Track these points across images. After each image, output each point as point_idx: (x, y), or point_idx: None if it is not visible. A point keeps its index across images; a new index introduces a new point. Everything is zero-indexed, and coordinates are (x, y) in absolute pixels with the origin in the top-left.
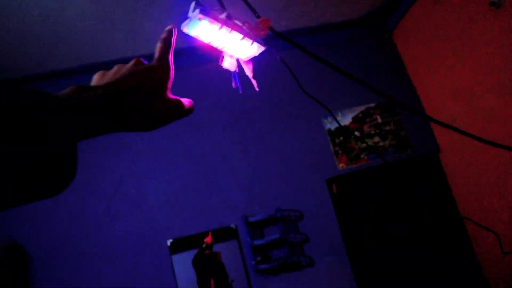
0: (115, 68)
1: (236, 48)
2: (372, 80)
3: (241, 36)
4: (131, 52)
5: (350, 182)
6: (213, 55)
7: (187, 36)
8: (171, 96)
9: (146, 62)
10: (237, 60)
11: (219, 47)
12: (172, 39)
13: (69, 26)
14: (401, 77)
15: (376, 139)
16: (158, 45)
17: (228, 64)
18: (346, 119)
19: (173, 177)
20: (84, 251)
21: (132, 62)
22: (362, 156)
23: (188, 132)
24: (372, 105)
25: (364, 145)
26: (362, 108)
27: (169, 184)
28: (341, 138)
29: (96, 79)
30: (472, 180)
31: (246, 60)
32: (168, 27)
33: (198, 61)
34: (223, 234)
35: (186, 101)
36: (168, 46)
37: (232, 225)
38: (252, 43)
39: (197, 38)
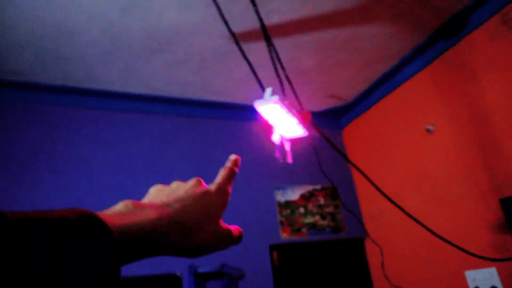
0: (174, 185)
1: (286, 128)
2: (323, 165)
3: (295, 121)
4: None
5: (289, 251)
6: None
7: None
8: (222, 224)
9: (204, 184)
10: (281, 137)
11: (273, 124)
12: (236, 169)
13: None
14: (345, 168)
15: (317, 217)
16: (222, 172)
17: (276, 138)
18: (295, 195)
19: None
20: None
21: (191, 183)
22: (303, 230)
23: (153, 176)
24: (318, 187)
25: (306, 221)
26: (310, 188)
27: None
28: (288, 210)
29: (152, 193)
30: (390, 268)
31: (288, 138)
32: (234, 157)
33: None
34: (166, 281)
35: (235, 230)
36: (232, 176)
37: (177, 273)
38: (299, 128)
39: (261, 114)
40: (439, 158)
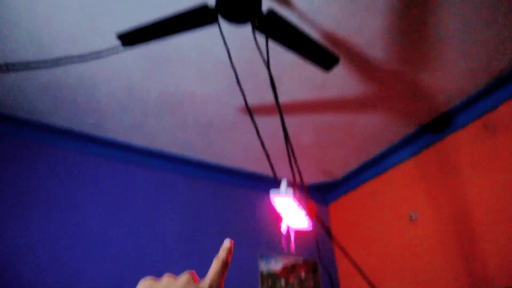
0: (164, 281)
1: (293, 219)
2: (307, 239)
3: (303, 214)
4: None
5: None
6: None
7: None
8: None
9: (197, 280)
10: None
11: (282, 214)
12: (229, 259)
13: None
14: (327, 243)
15: None
16: (215, 266)
17: (284, 228)
18: (278, 265)
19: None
20: None
21: (183, 280)
22: None
23: (143, 230)
24: (300, 259)
25: None
26: (293, 259)
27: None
28: (270, 282)
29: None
30: None
31: (294, 228)
32: (228, 245)
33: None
34: None
35: None
36: (225, 269)
37: None
38: (305, 220)
39: (273, 204)
40: (420, 246)
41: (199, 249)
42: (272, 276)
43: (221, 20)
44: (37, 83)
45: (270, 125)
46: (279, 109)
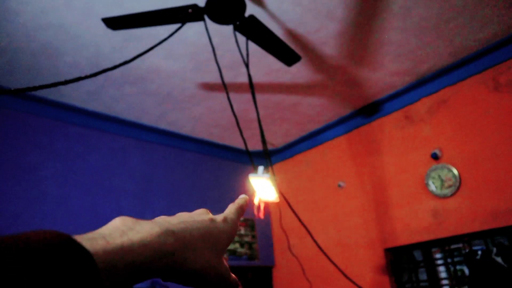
0: (178, 214)
1: (264, 193)
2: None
3: (273, 189)
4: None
5: None
6: None
7: None
8: (224, 261)
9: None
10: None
11: (257, 189)
12: (245, 206)
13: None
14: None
15: (237, 245)
16: (233, 207)
17: (256, 201)
18: None
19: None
20: None
21: (198, 211)
22: (224, 255)
23: (99, 191)
24: (241, 218)
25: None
26: None
27: None
28: None
29: (156, 219)
30: None
31: (265, 201)
32: (245, 196)
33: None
34: None
35: (234, 276)
36: (241, 213)
37: None
38: (273, 194)
39: (250, 183)
40: (345, 209)
41: (151, 209)
42: None
43: (207, 19)
44: None
45: (224, 101)
46: (253, 94)
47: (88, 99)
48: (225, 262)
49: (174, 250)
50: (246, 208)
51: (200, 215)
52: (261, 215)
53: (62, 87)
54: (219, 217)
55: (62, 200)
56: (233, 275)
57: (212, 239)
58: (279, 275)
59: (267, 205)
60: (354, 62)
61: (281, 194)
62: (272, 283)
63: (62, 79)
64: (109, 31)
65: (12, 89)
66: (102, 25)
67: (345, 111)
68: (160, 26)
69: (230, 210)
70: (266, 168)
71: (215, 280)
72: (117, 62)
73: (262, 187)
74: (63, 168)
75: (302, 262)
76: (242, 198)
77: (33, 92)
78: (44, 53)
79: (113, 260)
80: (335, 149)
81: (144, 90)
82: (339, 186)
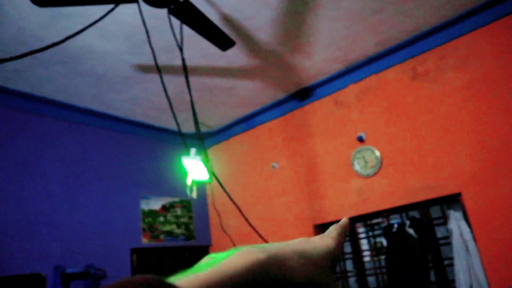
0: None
1: (197, 173)
2: (182, 181)
3: (204, 170)
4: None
5: (148, 255)
6: None
7: None
8: (332, 278)
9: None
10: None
11: (189, 170)
12: (346, 226)
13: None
14: (201, 185)
15: (174, 226)
16: (333, 227)
17: (189, 181)
18: (157, 204)
19: None
20: None
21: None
22: (161, 236)
23: (26, 177)
24: (177, 199)
25: (164, 228)
26: (171, 199)
27: None
28: (150, 218)
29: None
30: None
31: (197, 179)
32: (346, 219)
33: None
34: (30, 280)
35: None
36: (343, 231)
37: (42, 273)
38: (205, 174)
39: (184, 164)
40: (277, 189)
41: (85, 192)
42: (152, 214)
43: (141, 2)
44: None
45: (159, 83)
46: (186, 77)
47: (13, 77)
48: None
49: (267, 266)
50: (347, 227)
51: (322, 240)
52: (194, 195)
53: None
54: (316, 237)
55: None
56: None
57: (308, 255)
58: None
59: (202, 186)
60: (288, 49)
61: (213, 175)
62: None
63: None
64: (36, 7)
65: None
66: (27, 1)
67: (280, 95)
68: (91, 6)
69: (330, 229)
70: (199, 150)
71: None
72: (45, 40)
73: (195, 168)
74: None
75: (236, 240)
76: (343, 220)
77: None
78: None
79: None
80: (269, 132)
81: (76, 71)
82: (273, 167)
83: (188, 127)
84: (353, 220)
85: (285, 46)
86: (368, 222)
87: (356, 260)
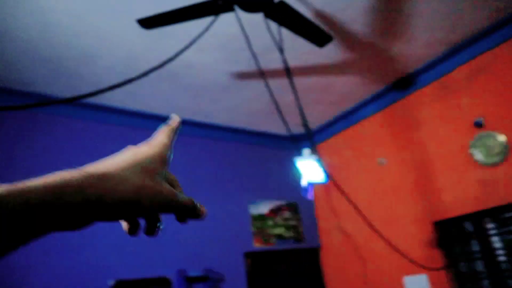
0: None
1: (312, 175)
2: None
3: (320, 170)
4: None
5: (260, 258)
6: None
7: None
8: (166, 185)
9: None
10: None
11: (303, 171)
12: (176, 126)
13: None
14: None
15: (283, 229)
16: (160, 129)
17: (304, 182)
18: (265, 208)
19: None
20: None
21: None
22: (271, 240)
23: None
24: (284, 202)
25: (274, 232)
26: (278, 202)
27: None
28: (259, 222)
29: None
30: (340, 275)
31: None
32: (178, 119)
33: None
34: (158, 283)
35: (188, 199)
36: (171, 133)
37: (168, 276)
38: (321, 175)
39: (297, 165)
40: (388, 186)
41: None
42: (261, 218)
43: (237, 10)
44: (37, 56)
45: (257, 89)
46: (290, 77)
47: (125, 99)
48: (166, 185)
49: (81, 185)
50: (177, 127)
51: (121, 153)
52: (311, 197)
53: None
54: (141, 144)
55: None
56: (188, 198)
57: (135, 165)
58: (325, 256)
59: (313, 187)
60: (385, 37)
61: (329, 175)
62: (319, 263)
63: (101, 83)
64: (141, 31)
65: (64, 98)
66: (134, 26)
67: (379, 87)
68: (189, 22)
69: (157, 132)
70: (311, 150)
71: (158, 202)
72: (152, 61)
73: (309, 169)
74: None
75: (351, 241)
76: (175, 121)
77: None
78: (83, 59)
79: (9, 203)
80: (372, 127)
81: (178, 86)
82: (379, 163)
83: (290, 129)
84: (479, 215)
85: (381, 34)
86: (499, 217)
87: (488, 260)
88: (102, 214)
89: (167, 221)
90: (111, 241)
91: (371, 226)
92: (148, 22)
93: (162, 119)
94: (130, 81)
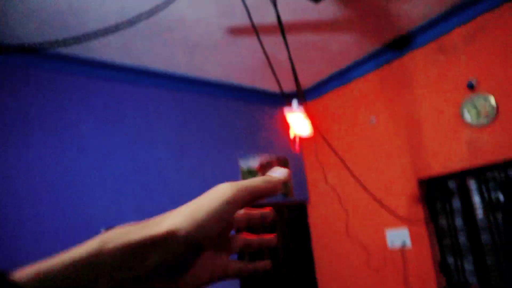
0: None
1: (299, 127)
2: (277, 137)
3: (306, 123)
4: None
5: None
6: None
7: None
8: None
9: None
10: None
11: (292, 124)
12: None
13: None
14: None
15: None
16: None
17: (292, 134)
18: (255, 163)
19: (120, 173)
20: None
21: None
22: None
23: (136, 142)
24: (274, 158)
25: None
26: (267, 157)
27: (116, 178)
28: (249, 176)
29: None
30: (325, 228)
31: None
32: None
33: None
34: None
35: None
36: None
37: None
38: (307, 128)
39: (286, 119)
40: (376, 143)
41: (188, 156)
42: (251, 172)
43: None
44: (25, 8)
45: (251, 44)
46: (283, 32)
47: (116, 53)
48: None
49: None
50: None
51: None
52: (298, 150)
53: (91, 44)
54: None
55: (105, 154)
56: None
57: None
58: (313, 210)
59: (301, 140)
60: None
61: (316, 129)
62: (307, 218)
63: (91, 35)
64: None
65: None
66: None
67: (375, 46)
68: None
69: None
70: (299, 104)
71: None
72: (142, 14)
73: (297, 122)
74: (102, 124)
75: (336, 195)
76: (286, 175)
77: (66, 52)
78: (72, 11)
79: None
80: (365, 86)
81: (171, 41)
82: (371, 122)
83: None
84: (463, 174)
85: None
86: (482, 176)
87: (467, 217)
88: None
89: (157, 175)
90: (104, 191)
91: (356, 179)
92: None
93: (154, 75)
94: (114, 30)
